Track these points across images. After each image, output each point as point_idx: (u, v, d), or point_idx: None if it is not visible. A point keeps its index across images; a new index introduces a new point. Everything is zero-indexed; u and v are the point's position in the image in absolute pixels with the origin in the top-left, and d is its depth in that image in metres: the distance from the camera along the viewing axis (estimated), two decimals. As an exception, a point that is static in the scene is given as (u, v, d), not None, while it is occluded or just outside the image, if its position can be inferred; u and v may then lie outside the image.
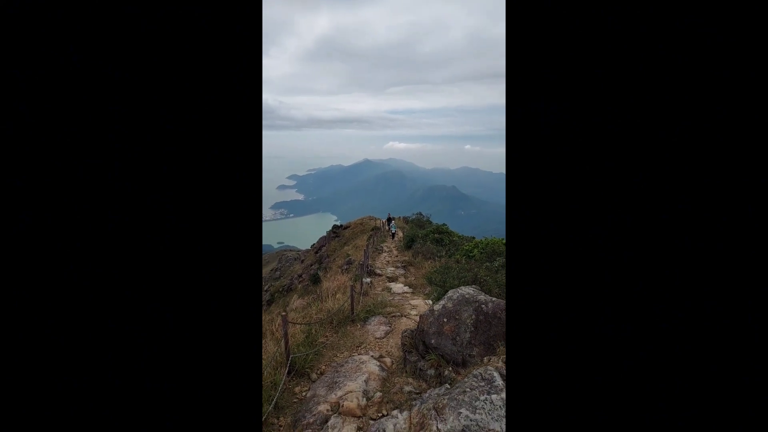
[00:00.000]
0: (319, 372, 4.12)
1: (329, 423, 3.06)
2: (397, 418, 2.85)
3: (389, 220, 18.19)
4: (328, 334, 5.33)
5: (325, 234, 23.56)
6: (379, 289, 8.14)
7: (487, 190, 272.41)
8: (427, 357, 3.75)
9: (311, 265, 17.50)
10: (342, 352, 4.70)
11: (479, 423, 2.36)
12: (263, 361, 3.72)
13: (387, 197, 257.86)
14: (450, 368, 3.49)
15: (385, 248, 14.05)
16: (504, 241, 9.68)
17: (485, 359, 3.28)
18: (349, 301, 5.99)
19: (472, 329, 3.60)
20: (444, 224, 15.62)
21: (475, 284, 6.04)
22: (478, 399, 2.53)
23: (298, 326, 5.20)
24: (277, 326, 5.50)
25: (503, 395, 2.54)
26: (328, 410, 3.26)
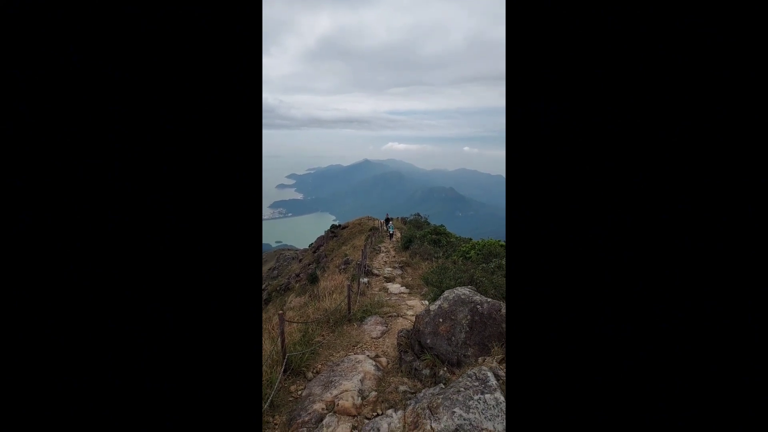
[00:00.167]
0: (314, 371, 4.13)
1: (324, 422, 3.06)
2: (392, 417, 2.86)
3: (387, 220, 18.19)
4: (324, 333, 5.34)
5: (323, 233, 23.52)
6: (377, 289, 8.13)
7: (485, 192, 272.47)
8: (423, 357, 3.77)
9: (309, 265, 17.47)
10: (338, 352, 4.71)
11: (472, 422, 2.38)
12: (260, 360, 3.72)
13: (385, 198, 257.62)
14: (445, 368, 3.51)
15: (382, 248, 14.05)
16: (501, 242, 9.71)
17: (480, 359, 3.30)
18: (346, 300, 6.00)
19: (468, 330, 3.62)
20: (442, 225, 15.65)
21: (471, 285, 6.07)
22: (471, 398, 2.55)
23: (294, 325, 5.20)
24: (273, 325, 5.50)
25: (497, 395, 2.56)
26: (323, 409, 3.27)
